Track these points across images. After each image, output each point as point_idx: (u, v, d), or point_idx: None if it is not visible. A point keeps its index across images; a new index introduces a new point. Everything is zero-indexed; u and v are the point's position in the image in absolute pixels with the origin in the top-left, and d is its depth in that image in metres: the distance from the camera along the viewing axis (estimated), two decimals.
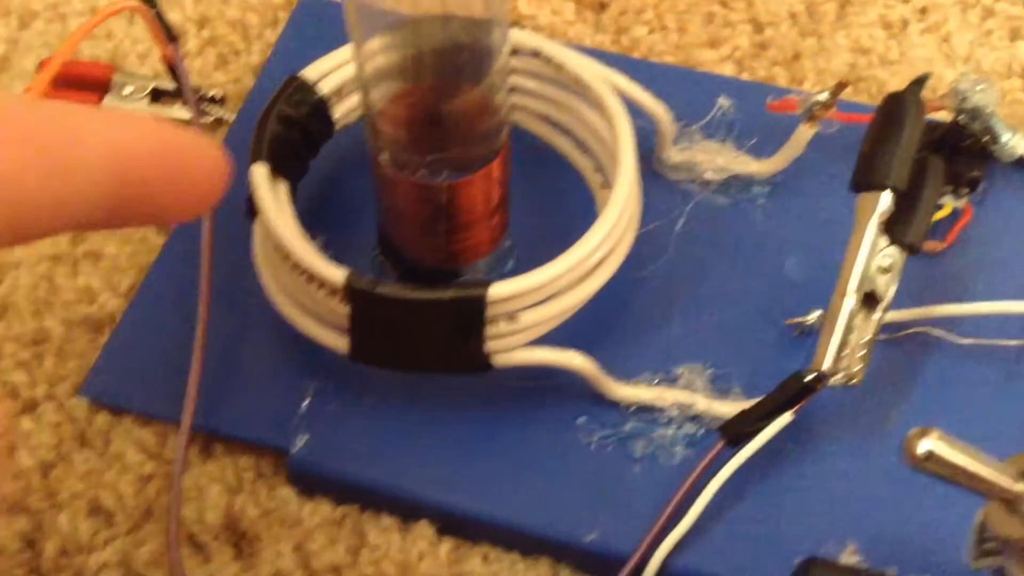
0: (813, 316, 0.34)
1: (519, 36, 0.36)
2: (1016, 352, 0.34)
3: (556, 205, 0.38)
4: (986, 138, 0.37)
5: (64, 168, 0.17)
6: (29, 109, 0.17)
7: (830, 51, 0.43)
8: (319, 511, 0.33)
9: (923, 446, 0.23)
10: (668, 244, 0.37)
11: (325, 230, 0.34)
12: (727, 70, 0.43)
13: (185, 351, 0.34)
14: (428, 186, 0.32)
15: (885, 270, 0.31)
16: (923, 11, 0.45)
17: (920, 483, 0.29)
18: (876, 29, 0.44)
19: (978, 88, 0.36)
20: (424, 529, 0.33)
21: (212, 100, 0.42)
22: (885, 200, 0.31)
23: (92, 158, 0.17)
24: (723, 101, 0.39)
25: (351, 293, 0.31)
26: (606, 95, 0.35)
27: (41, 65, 0.43)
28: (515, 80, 0.37)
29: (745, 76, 0.43)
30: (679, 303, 0.36)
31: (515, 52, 0.36)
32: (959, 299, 0.35)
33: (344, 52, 0.36)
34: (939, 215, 0.36)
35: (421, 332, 0.31)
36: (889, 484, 0.31)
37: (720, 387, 0.34)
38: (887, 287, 0.31)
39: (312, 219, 0.37)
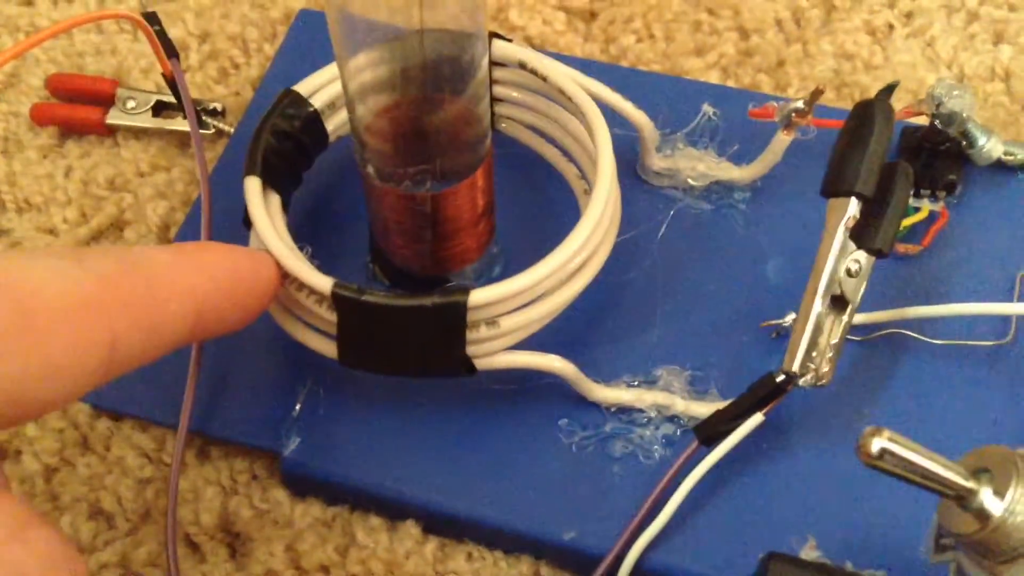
0: (789, 319, 0.35)
1: (505, 48, 0.37)
2: (989, 353, 0.35)
3: (543, 211, 0.39)
4: (963, 142, 0.37)
5: (156, 326, 0.19)
6: (125, 275, 0.18)
7: (814, 57, 0.44)
8: (310, 512, 0.34)
9: (876, 444, 0.24)
10: (651, 249, 0.38)
11: (319, 238, 0.35)
12: (713, 77, 0.44)
13: (183, 358, 0.35)
14: (413, 196, 0.33)
15: (853, 274, 0.31)
16: (908, 15, 0.45)
17: (883, 484, 0.30)
18: (861, 35, 0.44)
19: (954, 93, 0.36)
20: (411, 528, 0.34)
21: (213, 112, 0.44)
22: (852, 207, 0.31)
23: (178, 310, 0.20)
24: (707, 108, 0.40)
25: (337, 300, 0.32)
26: (586, 105, 0.35)
27: (47, 81, 0.45)
28: (501, 91, 0.38)
29: (731, 83, 0.44)
30: (660, 307, 0.37)
31: (501, 64, 0.37)
32: (936, 301, 0.35)
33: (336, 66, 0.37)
34: (916, 218, 0.37)
35: (405, 337, 0.32)
36: (855, 484, 0.32)
37: (698, 388, 0.35)
38: (855, 290, 0.31)
39: (307, 228, 0.38)
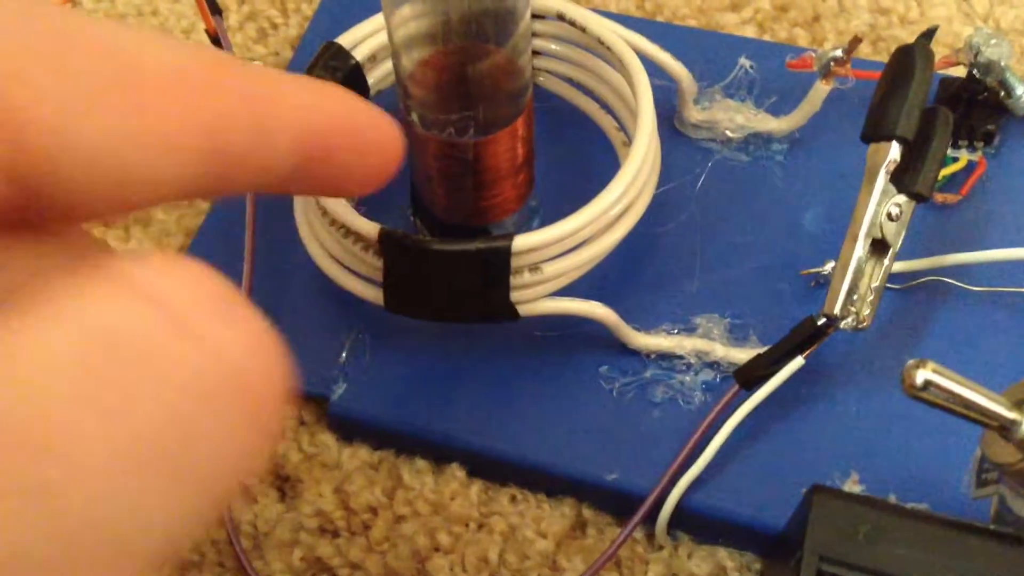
0: (828, 267, 0.35)
1: (544, 0, 0.37)
2: None
3: (581, 164, 0.40)
4: (1001, 92, 0.37)
5: (264, 124, 0.17)
6: (235, 63, 0.17)
7: (850, 12, 0.44)
8: (358, 455, 0.35)
9: (920, 376, 0.25)
10: (689, 201, 0.38)
11: None
12: (749, 32, 0.44)
13: None
14: (455, 144, 0.34)
15: (894, 218, 0.32)
16: None
17: (923, 425, 0.31)
18: None
19: (992, 42, 0.36)
20: (456, 471, 0.35)
21: None
22: (894, 150, 0.32)
23: (286, 125, 0.17)
24: (744, 61, 0.40)
25: (384, 246, 0.32)
26: (626, 54, 0.36)
27: None
28: (540, 44, 0.39)
29: (767, 38, 0.44)
30: (699, 257, 0.37)
31: (540, 16, 0.38)
32: (973, 249, 0.36)
33: (378, 19, 0.38)
34: (954, 168, 0.37)
35: (450, 282, 0.33)
36: (896, 424, 0.33)
37: (737, 336, 0.35)
38: (896, 234, 0.32)
39: None
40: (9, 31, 0.13)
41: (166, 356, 0.12)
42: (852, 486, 0.30)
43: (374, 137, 0.21)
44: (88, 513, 0.11)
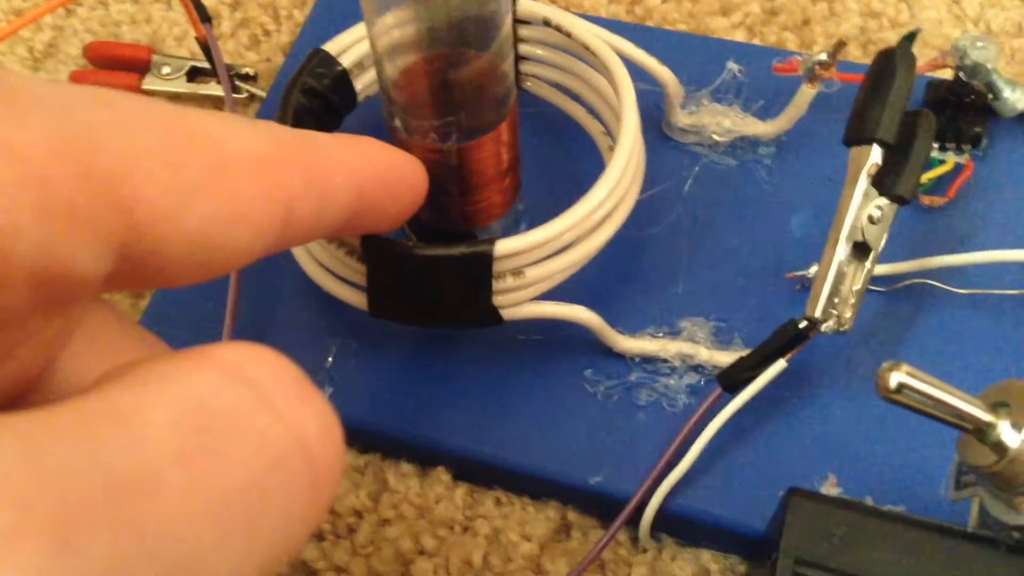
0: (812, 270, 0.35)
1: (530, 6, 0.38)
2: (1013, 301, 0.35)
3: (568, 168, 0.40)
4: (988, 95, 0.37)
5: (325, 195, 0.20)
6: (298, 138, 0.20)
7: (840, 15, 0.44)
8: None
9: (894, 379, 0.25)
10: (676, 205, 0.38)
11: None
12: (739, 36, 0.44)
13: (218, 313, 0.36)
14: (439, 149, 0.34)
15: (875, 221, 0.32)
16: None
17: (903, 430, 0.31)
18: None
19: (978, 45, 0.36)
20: (441, 475, 0.35)
21: (245, 77, 0.45)
22: (875, 154, 0.32)
23: (342, 185, 0.21)
24: (732, 65, 0.40)
25: (367, 251, 0.32)
26: (610, 59, 0.36)
27: (86, 49, 0.46)
28: (526, 49, 0.39)
29: (756, 41, 0.44)
30: (685, 260, 0.37)
31: (526, 22, 0.38)
32: (959, 251, 0.36)
33: (364, 27, 0.38)
34: (941, 170, 0.37)
35: (433, 288, 0.33)
36: (877, 430, 0.33)
37: (722, 339, 0.35)
38: (878, 237, 0.32)
39: None
40: (129, 128, 0.16)
41: (253, 429, 0.14)
42: (830, 488, 0.30)
43: (408, 181, 0.25)
44: (171, 555, 0.12)
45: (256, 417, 0.14)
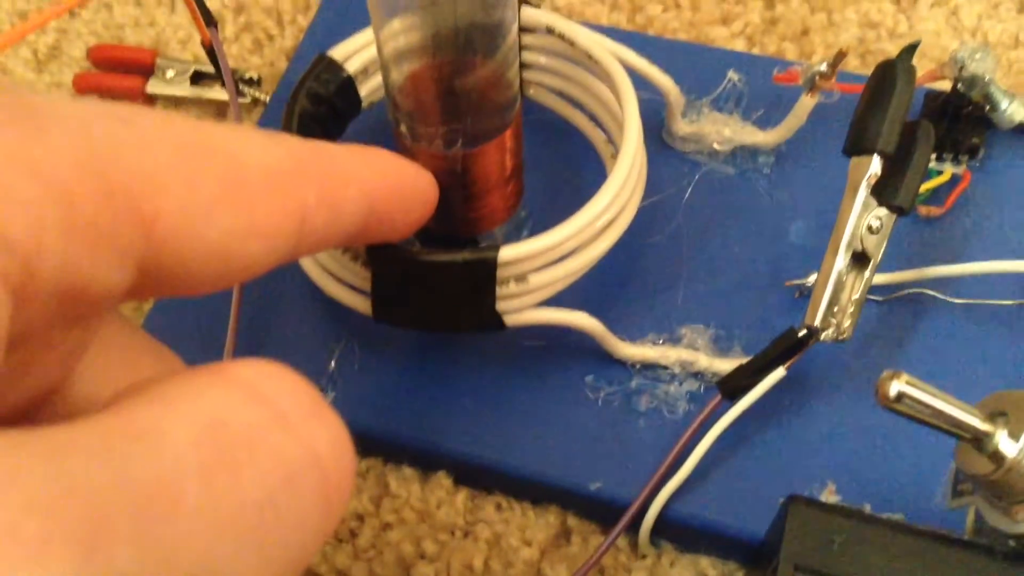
0: (811, 278, 0.36)
1: (534, 14, 0.38)
2: (1009, 311, 0.35)
3: (571, 176, 0.40)
4: (986, 106, 0.38)
5: (337, 207, 0.20)
6: (311, 150, 0.20)
7: (839, 25, 0.44)
8: None
9: (894, 388, 0.25)
10: (676, 213, 0.39)
11: None
12: (739, 45, 0.44)
13: (222, 315, 0.36)
14: (444, 156, 0.34)
15: (874, 231, 0.32)
16: None
17: (901, 439, 0.31)
18: (885, 3, 0.45)
19: (976, 56, 0.37)
20: (442, 479, 0.35)
21: (249, 82, 0.45)
22: (874, 164, 0.32)
23: (354, 197, 0.21)
24: (732, 75, 0.40)
25: (371, 256, 0.33)
26: (613, 67, 0.36)
27: (89, 52, 0.46)
28: (530, 57, 0.39)
29: (756, 51, 0.44)
30: (685, 268, 0.38)
31: (530, 30, 0.38)
32: (956, 261, 0.36)
33: (370, 33, 0.38)
34: (938, 180, 0.38)
35: (437, 293, 0.33)
36: (875, 438, 0.33)
37: (722, 347, 0.35)
38: (877, 247, 0.32)
39: None
40: (148, 144, 0.16)
41: (269, 445, 0.14)
42: (829, 496, 0.31)
43: (418, 192, 0.26)
44: (190, 566, 0.12)
45: (272, 434, 0.14)
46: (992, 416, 0.26)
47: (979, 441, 0.25)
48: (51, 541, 0.11)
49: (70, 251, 0.14)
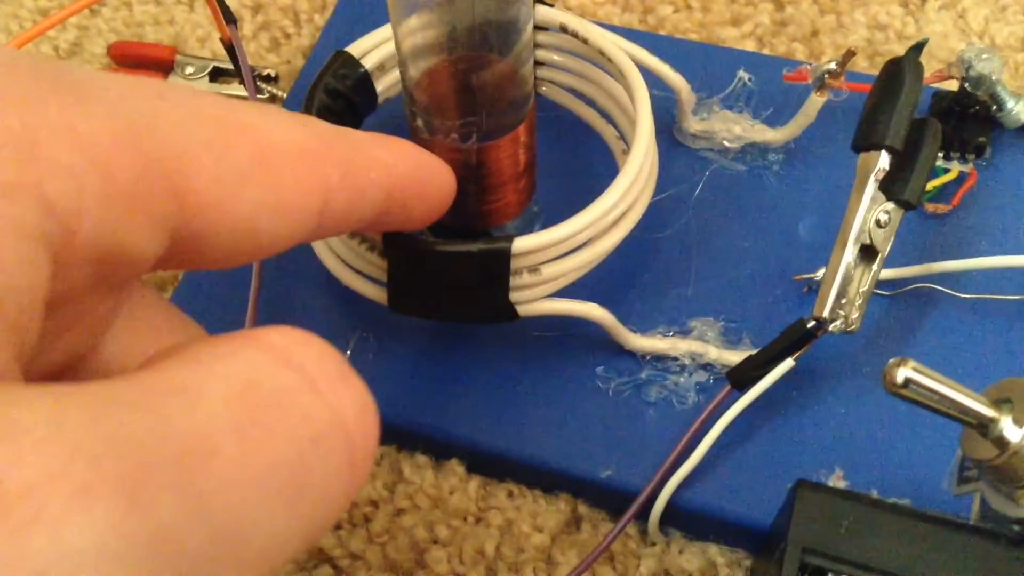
0: (820, 272, 0.36)
1: (548, 13, 0.39)
2: (1016, 306, 0.36)
3: (582, 171, 0.41)
4: (992, 106, 0.38)
5: (359, 189, 0.21)
6: (335, 133, 0.21)
7: (848, 27, 0.45)
8: None
9: (901, 374, 0.26)
10: (687, 208, 0.39)
11: None
12: (749, 46, 0.45)
13: (239, 306, 0.37)
14: (459, 148, 0.35)
15: (882, 225, 0.32)
16: None
17: (908, 423, 0.32)
18: (893, 5, 0.45)
19: (983, 56, 0.37)
20: (455, 467, 0.36)
21: (267, 78, 0.46)
22: (883, 159, 0.33)
23: (375, 180, 0.22)
24: (742, 74, 0.41)
25: (388, 246, 0.33)
26: (626, 66, 0.37)
27: (110, 48, 0.47)
28: (543, 55, 0.40)
29: (766, 52, 0.45)
30: (695, 262, 0.38)
31: (544, 28, 0.39)
32: (962, 257, 0.37)
33: (386, 30, 0.39)
34: (945, 178, 0.38)
35: (452, 283, 0.34)
36: (881, 423, 0.33)
37: (731, 339, 0.36)
38: (884, 241, 0.33)
39: None
40: (183, 119, 0.17)
41: (298, 406, 0.15)
42: (836, 482, 0.31)
43: (436, 182, 0.26)
44: (224, 518, 0.13)
45: (301, 396, 0.15)
46: (997, 403, 0.26)
47: (984, 427, 0.26)
48: (96, 488, 0.12)
49: (108, 218, 0.15)
